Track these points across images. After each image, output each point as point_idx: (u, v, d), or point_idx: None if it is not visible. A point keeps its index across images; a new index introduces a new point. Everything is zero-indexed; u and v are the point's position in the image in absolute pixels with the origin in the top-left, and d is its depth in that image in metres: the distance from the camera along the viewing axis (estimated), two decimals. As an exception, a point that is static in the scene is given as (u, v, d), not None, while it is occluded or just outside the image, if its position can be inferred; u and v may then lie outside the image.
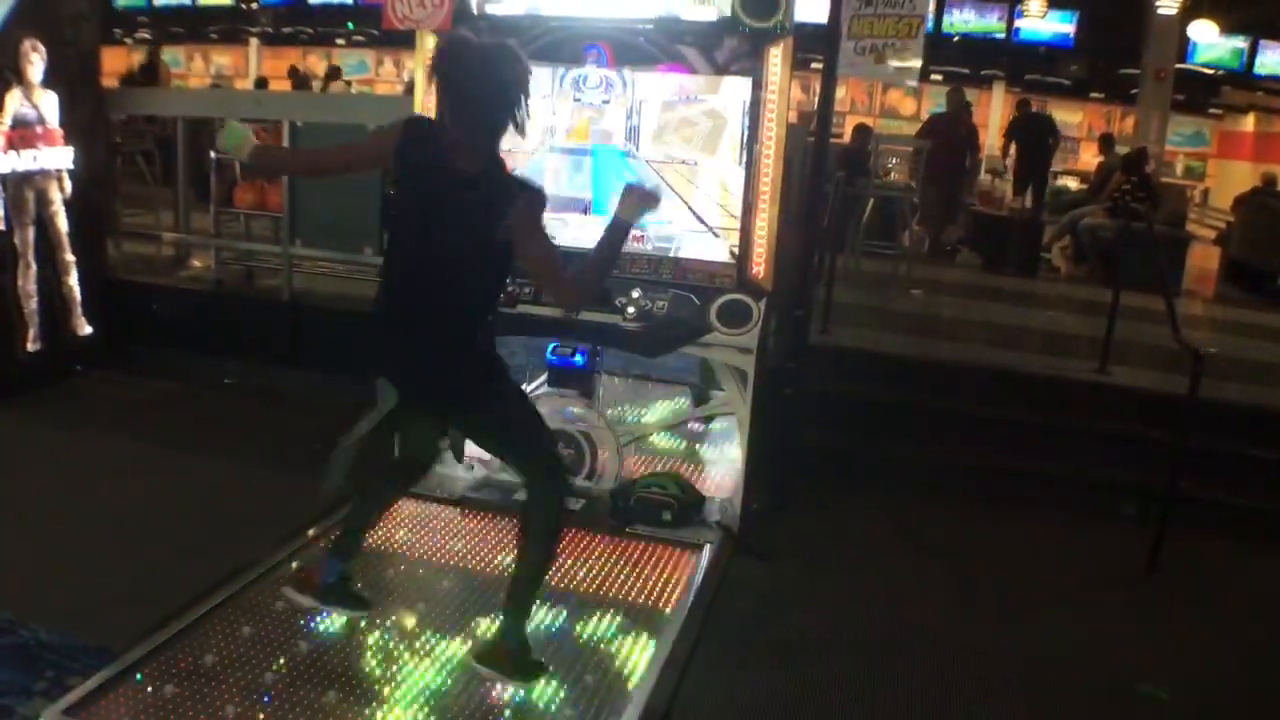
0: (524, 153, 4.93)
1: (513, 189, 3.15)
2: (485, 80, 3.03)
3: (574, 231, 4.90)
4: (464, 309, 3.23)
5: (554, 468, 3.54)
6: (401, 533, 4.60)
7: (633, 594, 4.17)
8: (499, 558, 4.35)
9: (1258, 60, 15.19)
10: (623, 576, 4.32)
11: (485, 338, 3.38)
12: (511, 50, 3.10)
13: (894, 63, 5.87)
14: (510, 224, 3.09)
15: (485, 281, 3.26)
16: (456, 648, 3.66)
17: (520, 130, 3.16)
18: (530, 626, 3.54)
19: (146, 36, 20.73)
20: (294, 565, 3.73)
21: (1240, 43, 15.04)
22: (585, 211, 4.95)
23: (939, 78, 18.06)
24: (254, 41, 20.59)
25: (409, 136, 3.21)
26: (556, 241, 3.40)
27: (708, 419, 5.87)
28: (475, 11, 4.88)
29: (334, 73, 16.78)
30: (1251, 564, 5.24)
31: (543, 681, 3.44)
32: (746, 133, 4.66)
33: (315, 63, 19.99)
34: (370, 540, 4.42)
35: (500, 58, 3.07)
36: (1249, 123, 18.96)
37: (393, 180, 3.29)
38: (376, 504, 3.82)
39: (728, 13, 4.55)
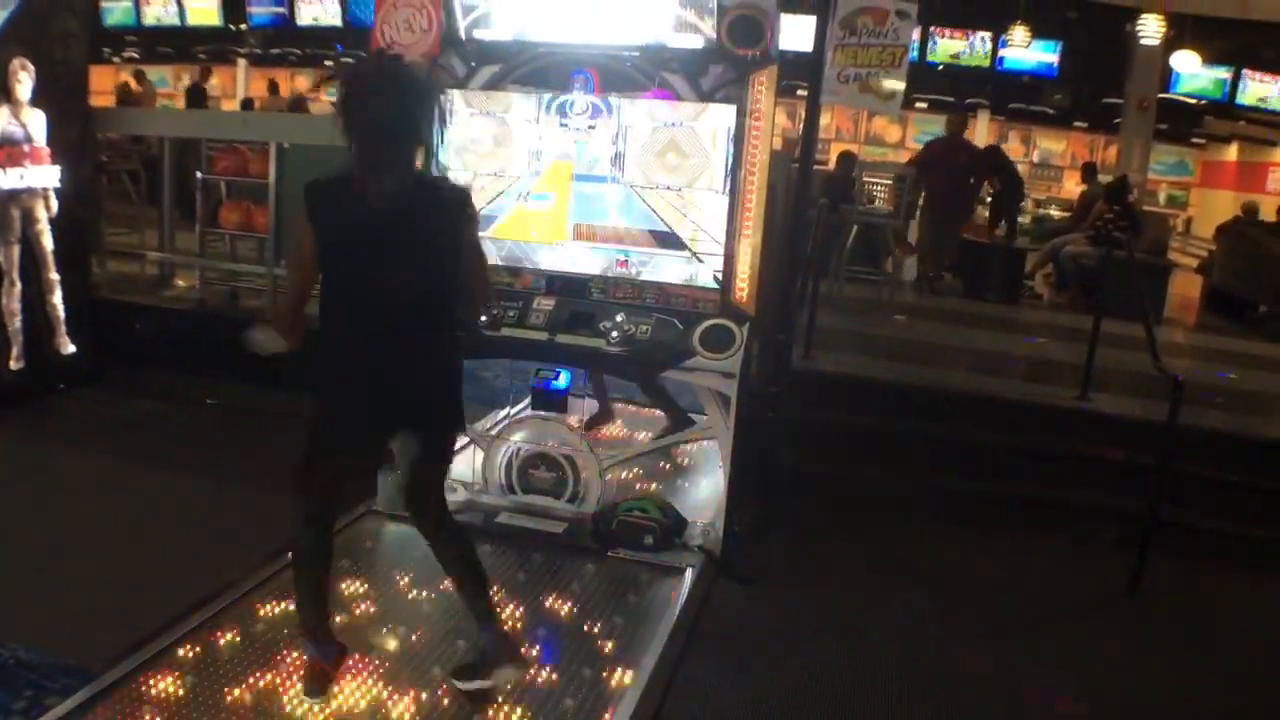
0: (512, 177, 4.97)
1: (440, 193, 3.27)
2: (383, 107, 3.04)
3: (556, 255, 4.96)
4: (428, 324, 3.26)
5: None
6: (381, 556, 4.60)
7: (614, 617, 4.17)
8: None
9: (1240, 90, 15.33)
10: (604, 600, 4.33)
11: (455, 352, 3.44)
12: (409, 67, 3.15)
13: (884, 85, 5.93)
14: (446, 225, 3.19)
15: (438, 290, 3.26)
16: (438, 669, 3.66)
17: (430, 149, 3.22)
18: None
19: (134, 56, 20.78)
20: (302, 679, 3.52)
21: (1223, 73, 15.17)
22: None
23: (924, 106, 18.21)
24: (242, 62, 20.60)
25: (313, 201, 3.16)
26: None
27: (690, 443, 5.89)
28: (463, 36, 4.91)
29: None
30: (1232, 589, 5.27)
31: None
32: (731, 159, 4.70)
33: (303, 83, 19.99)
34: (352, 562, 4.45)
35: (400, 75, 3.10)
36: (1232, 152, 19.13)
37: (312, 247, 3.18)
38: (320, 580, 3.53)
39: (714, 40, 4.60)
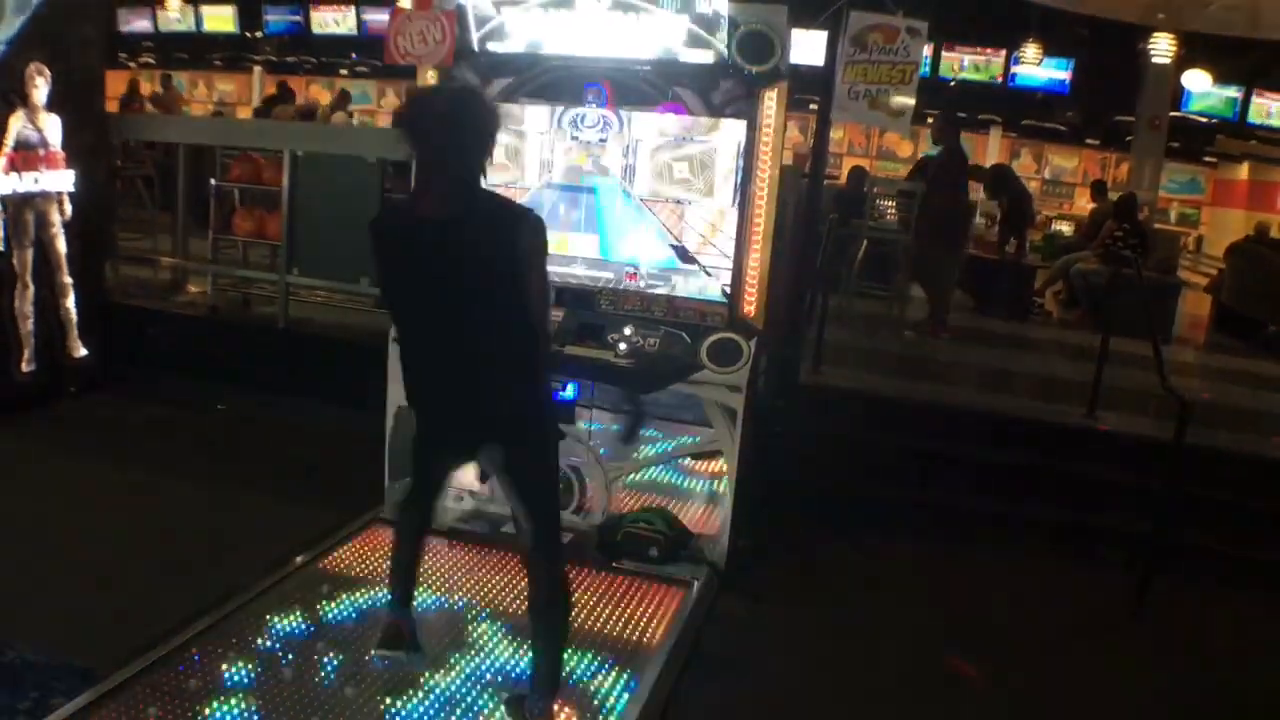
0: (522, 188, 4.99)
1: (510, 217, 3.11)
2: (452, 126, 3.06)
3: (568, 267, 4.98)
4: (491, 354, 3.15)
5: (557, 534, 3.49)
6: (385, 565, 4.61)
7: (618, 629, 4.18)
8: (485, 589, 4.37)
9: (1251, 109, 15.33)
10: (608, 612, 4.34)
11: (536, 382, 3.29)
12: (476, 95, 3.18)
13: (894, 102, 5.93)
14: (514, 251, 3.05)
15: (500, 318, 3.12)
16: (440, 677, 3.67)
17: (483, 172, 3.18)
18: (518, 661, 3.55)
19: (150, 61, 20.91)
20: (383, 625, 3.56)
21: (1234, 92, 15.18)
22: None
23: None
24: (257, 69, 20.71)
25: (378, 237, 3.22)
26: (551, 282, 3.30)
27: (696, 456, 5.89)
28: (476, 49, 4.95)
29: (342, 100, 16.85)
30: (1237, 611, 5.25)
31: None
32: (741, 173, 4.72)
33: (318, 92, 20.07)
34: (360, 568, 4.48)
35: (466, 103, 3.16)
36: (1243, 171, 19.09)
37: (378, 283, 3.27)
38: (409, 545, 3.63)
39: (725, 56, 4.62)
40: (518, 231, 3.05)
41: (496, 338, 3.14)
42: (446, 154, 3.08)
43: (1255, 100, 15.21)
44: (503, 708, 3.50)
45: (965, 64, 16.27)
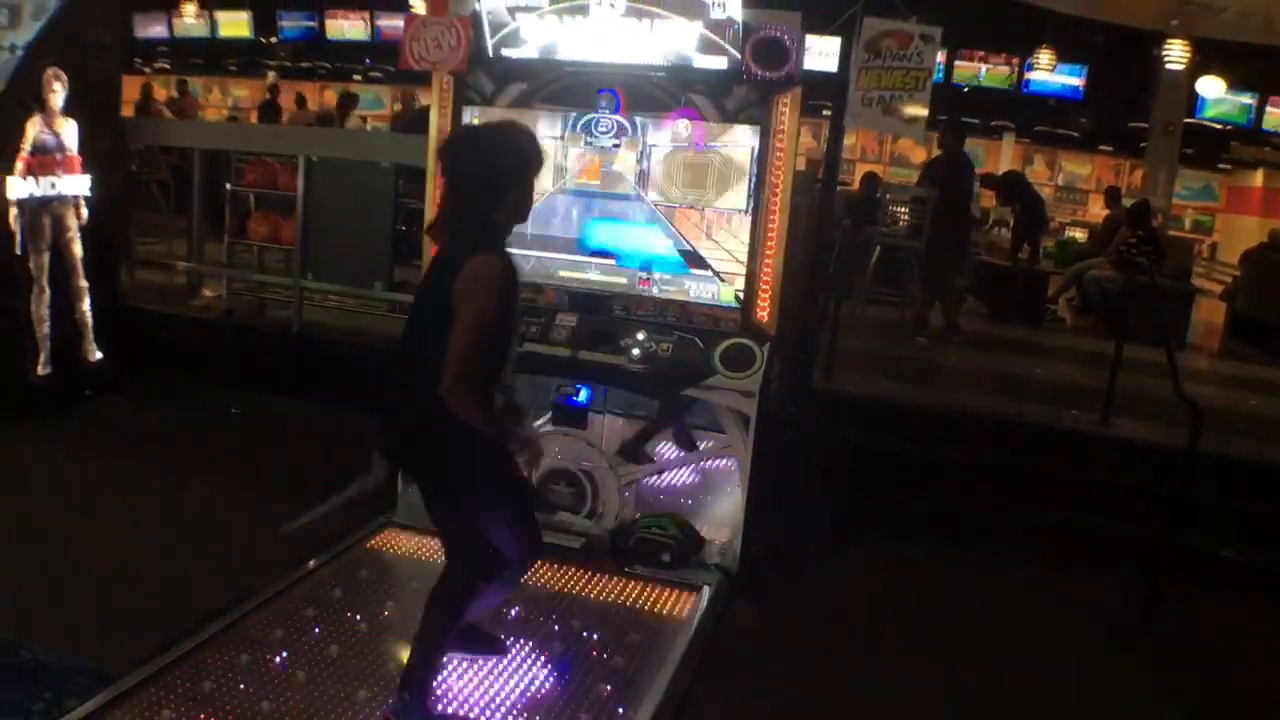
0: (536, 194, 5.00)
1: (469, 252, 3.08)
2: (478, 173, 3.12)
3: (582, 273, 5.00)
4: (432, 382, 3.04)
5: (479, 567, 3.43)
6: (400, 566, 4.64)
7: (630, 634, 4.18)
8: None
9: (1265, 116, 15.28)
10: (621, 616, 4.35)
11: (441, 417, 3.11)
12: (512, 139, 3.19)
13: (907, 109, 5.93)
14: (450, 286, 3.04)
15: (436, 351, 3.04)
16: (455, 679, 3.68)
17: (519, 214, 3.25)
18: (527, 667, 3.55)
19: (166, 66, 21.02)
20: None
21: (1248, 99, 15.14)
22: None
23: (949, 128, 18.14)
24: (272, 75, 20.80)
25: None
26: (473, 332, 3.03)
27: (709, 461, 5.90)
28: (490, 54, 4.97)
29: (349, 102, 16.92)
30: (1249, 619, 5.23)
31: None
32: (754, 179, 4.73)
33: (331, 97, 20.15)
34: (370, 572, 4.49)
35: (479, 143, 3.23)
36: (1258, 178, 19.02)
37: None
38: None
39: (738, 62, 4.63)
40: (465, 261, 3.05)
41: (424, 372, 3.06)
42: (452, 194, 3.18)
43: (1270, 107, 15.17)
44: None
45: (983, 74, 16.24)
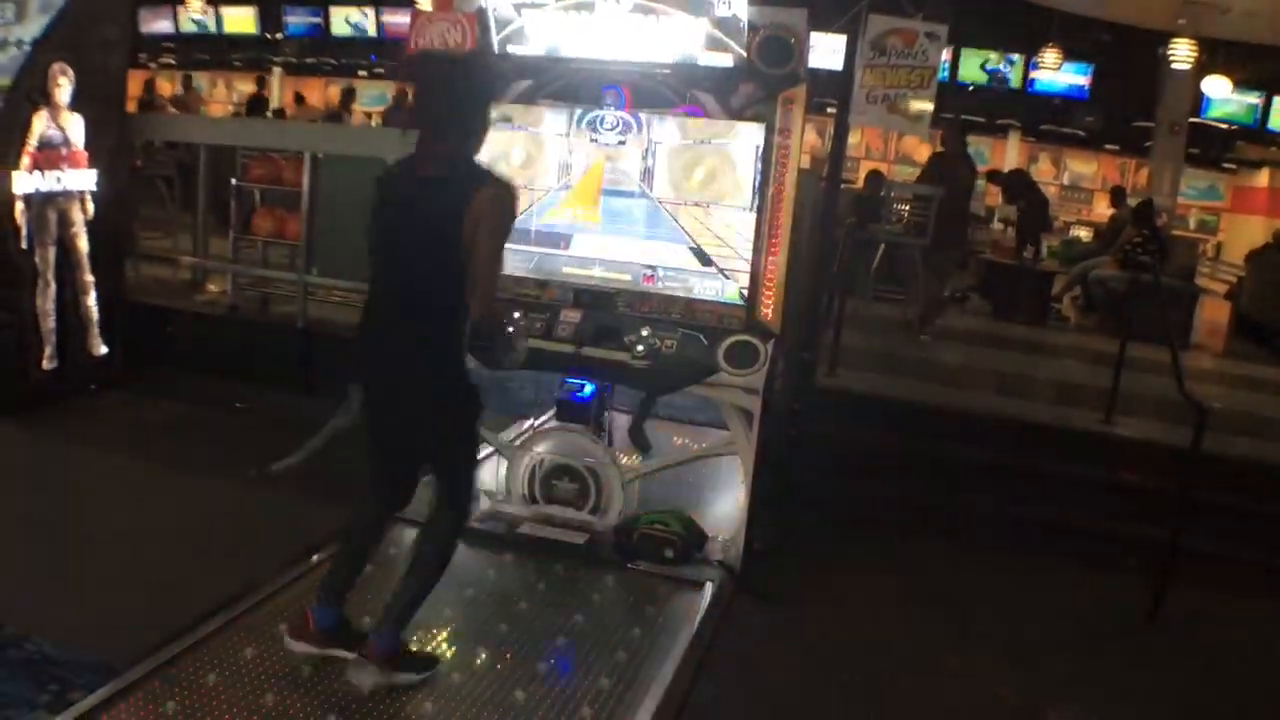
0: (540, 190, 5.02)
1: (476, 180, 3.24)
2: (454, 87, 3.22)
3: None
4: (431, 308, 3.32)
5: (469, 505, 3.74)
6: (399, 564, 4.64)
7: (633, 630, 4.19)
8: (501, 588, 4.39)
9: (1271, 116, 15.25)
10: (623, 612, 4.35)
11: (457, 343, 3.42)
12: (479, 59, 3.28)
13: (912, 106, 5.94)
14: (468, 214, 3.18)
15: (447, 278, 3.28)
16: (457, 674, 3.69)
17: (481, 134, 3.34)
18: (529, 661, 3.57)
19: (171, 62, 21.04)
20: (283, 624, 3.77)
21: (1254, 98, 15.11)
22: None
23: (954, 126, 18.12)
24: (277, 70, 20.81)
25: (376, 186, 3.43)
26: (501, 253, 3.36)
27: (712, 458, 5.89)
28: (497, 51, 4.97)
29: (349, 98, 16.98)
30: (1253, 619, 5.23)
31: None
32: (759, 176, 4.74)
33: (335, 94, 20.17)
34: (368, 569, 4.49)
35: (469, 66, 3.28)
36: (1263, 178, 19.00)
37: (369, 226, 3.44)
38: (356, 554, 3.80)
39: (744, 59, 4.63)
40: (475, 190, 3.19)
41: (433, 294, 3.30)
42: (447, 120, 3.23)
43: (1276, 107, 15.13)
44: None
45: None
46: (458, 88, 3.27)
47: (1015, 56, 15.61)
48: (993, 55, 15.49)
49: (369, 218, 3.42)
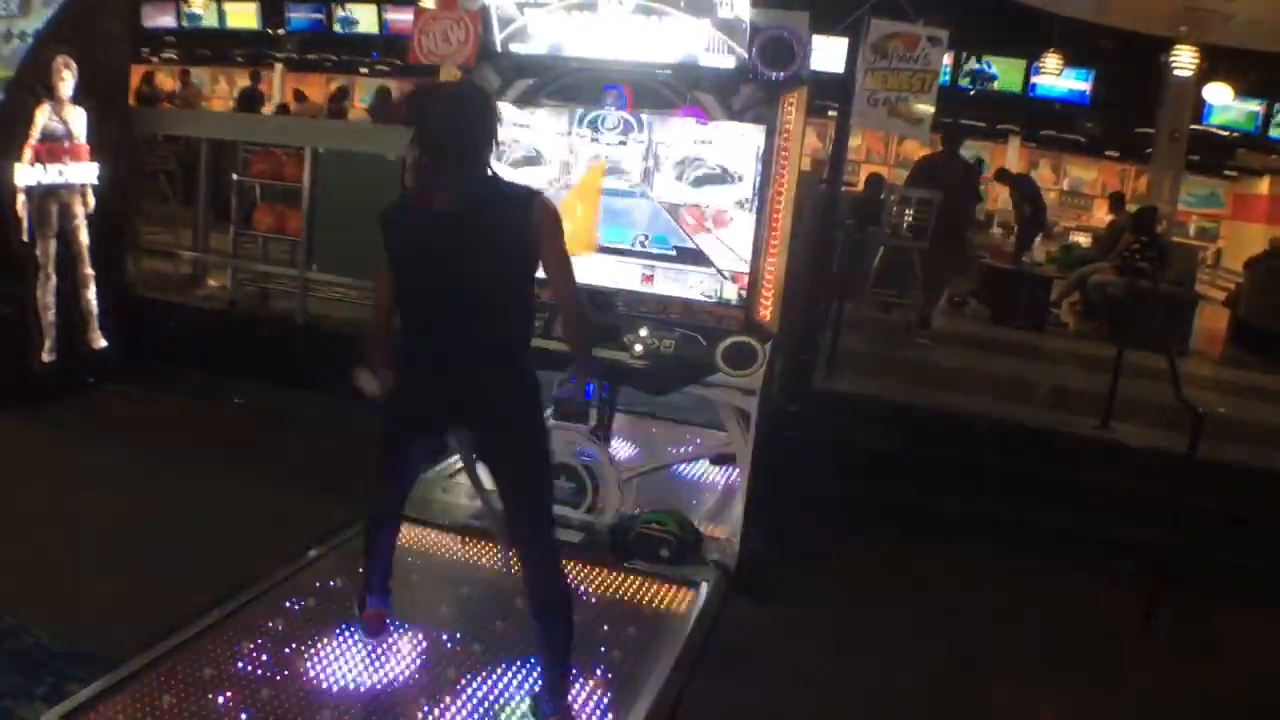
0: (541, 189, 5.02)
1: (518, 200, 3.27)
2: (462, 126, 3.17)
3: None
4: (499, 334, 3.31)
5: (552, 524, 3.54)
6: (398, 560, 4.65)
7: (627, 630, 4.20)
8: (496, 586, 4.40)
9: (1273, 124, 15.29)
10: (618, 612, 4.36)
11: (526, 361, 3.42)
12: (479, 93, 3.34)
13: (914, 109, 5.95)
14: (527, 233, 3.22)
15: (511, 299, 3.33)
16: (451, 669, 3.70)
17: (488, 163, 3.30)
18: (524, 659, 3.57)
19: (173, 56, 21.05)
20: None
21: (1255, 106, 15.14)
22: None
23: (954, 130, 18.13)
24: (279, 66, 20.81)
25: (388, 226, 3.38)
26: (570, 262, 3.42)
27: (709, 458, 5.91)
28: (498, 49, 4.98)
29: (342, 95, 16.97)
30: (1247, 625, 5.24)
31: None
32: (759, 178, 4.74)
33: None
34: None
35: (471, 101, 3.25)
36: (1263, 186, 19.02)
37: (389, 267, 3.44)
38: (386, 534, 3.85)
39: (745, 61, 4.65)
40: (529, 211, 3.22)
41: (510, 317, 3.33)
42: (460, 152, 3.19)
43: (1277, 114, 15.16)
44: (527, 702, 3.53)
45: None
46: (471, 119, 3.21)
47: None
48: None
49: (391, 260, 3.41)
